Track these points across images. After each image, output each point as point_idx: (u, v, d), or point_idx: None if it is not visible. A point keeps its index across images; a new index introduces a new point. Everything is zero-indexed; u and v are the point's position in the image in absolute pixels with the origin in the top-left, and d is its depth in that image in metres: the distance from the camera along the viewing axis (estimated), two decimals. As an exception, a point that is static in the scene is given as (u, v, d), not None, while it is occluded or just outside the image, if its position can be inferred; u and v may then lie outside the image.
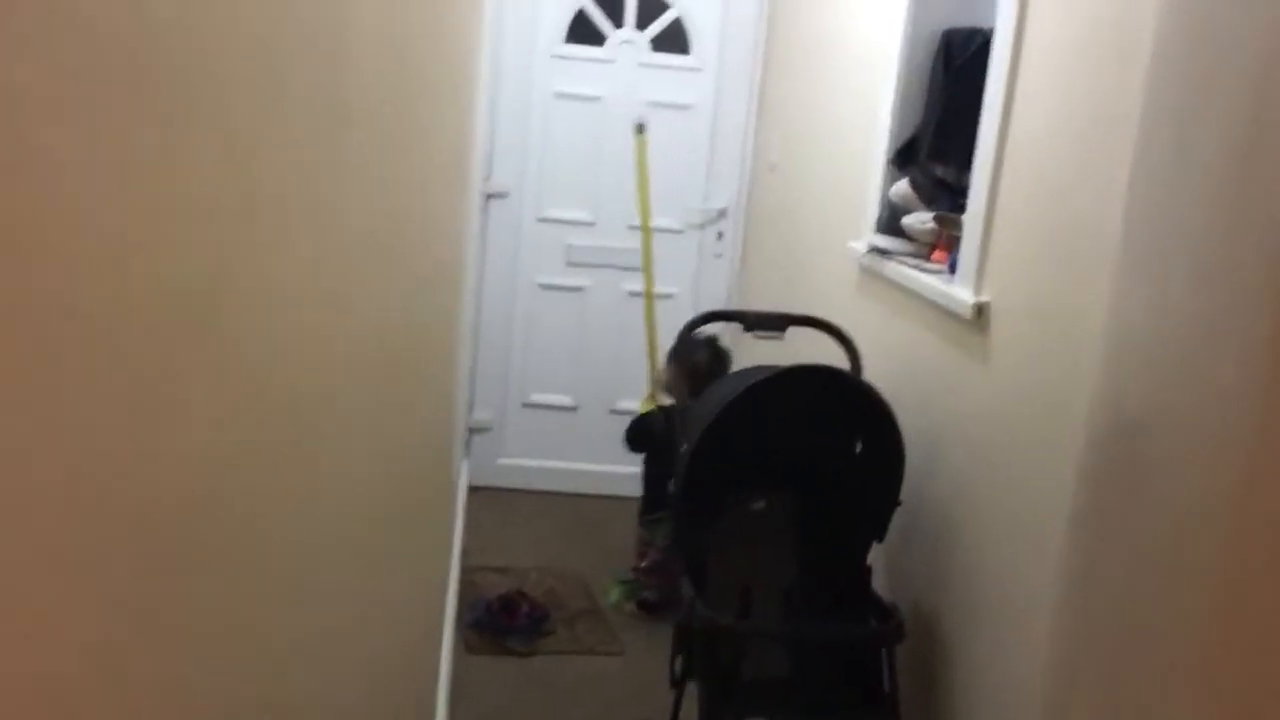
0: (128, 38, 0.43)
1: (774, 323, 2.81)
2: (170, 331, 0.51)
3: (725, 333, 3.72)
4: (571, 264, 4.42)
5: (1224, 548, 1.04)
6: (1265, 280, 0.97)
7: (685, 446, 2.50)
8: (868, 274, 2.99)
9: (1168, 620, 1.15)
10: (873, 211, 2.97)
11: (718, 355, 3.67)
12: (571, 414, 4.52)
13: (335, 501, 0.99)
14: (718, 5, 4.29)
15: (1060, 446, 1.90)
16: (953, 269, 2.47)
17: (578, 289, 4.43)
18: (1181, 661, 1.12)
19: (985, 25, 2.59)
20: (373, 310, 1.13)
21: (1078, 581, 1.41)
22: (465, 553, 3.75)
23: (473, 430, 4.45)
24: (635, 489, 3.71)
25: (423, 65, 1.46)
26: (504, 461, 4.50)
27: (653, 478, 3.61)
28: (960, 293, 2.35)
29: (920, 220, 2.70)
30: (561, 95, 4.29)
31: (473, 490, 4.30)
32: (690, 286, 4.46)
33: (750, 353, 3.29)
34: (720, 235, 4.46)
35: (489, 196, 4.30)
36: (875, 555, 2.54)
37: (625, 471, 3.85)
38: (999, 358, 2.21)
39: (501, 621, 3.37)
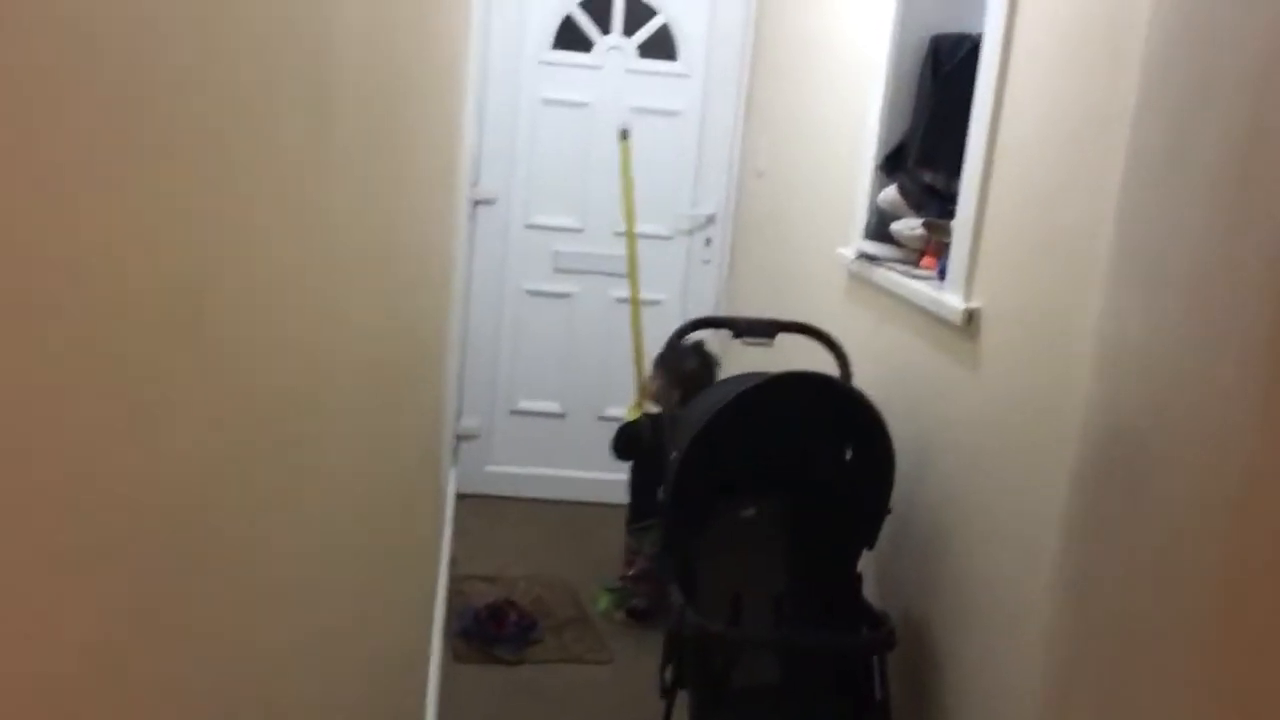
0: (113, 41, 0.43)
1: (764, 329, 2.80)
2: (156, 335, 0.50)
3: (714, 339, 3.72)
4: (559, 270, 4.41)
5: (1224, 552, 1.03)
6: (1266, 283, 0.96)
7: (675, 454, 2.48)
8: (856, 280, 2.99)
9: (1167, 624, 1.14)
10: (861, 217, 2.97)
11: (706, 362, 3.66)
12: (559, 421, 4.51)
13: (322, 508, 0.98)
14: (705, 11, 4.29)
15: (1052, 452, 1.90)
16: (942, 275, 2.47)
17: (565, 295, 4.42)
18: (1181, 665, 1.11)
19: (973, 31, 2.59)
20: (360, 316, 1.12)
21: (1074, 587, 1.40)
22: (453, 561, 3.73)
23: (461, 437, 4.43)
24: (624, 496, 3.69)
25: (410, 71, 1.45)
26: (492, 469, 4.48)
27: (640, 485, 3.59)
28: (950, 299, 2.34)
29: (909, 226, 2.70)
30: (549, 101, 4.28)
31: (460, 498, 4.28)
32: (678, 292, 4.45)
33: (739, 359, 3.28)
34: (708, 241, 4.45)
35: (476, 203, 4.29)
36: (866, 563, 2.54)
37: (613, 478, 3.84)
38: (989, 364, 2.21)
39: (490, 630, 3.35)
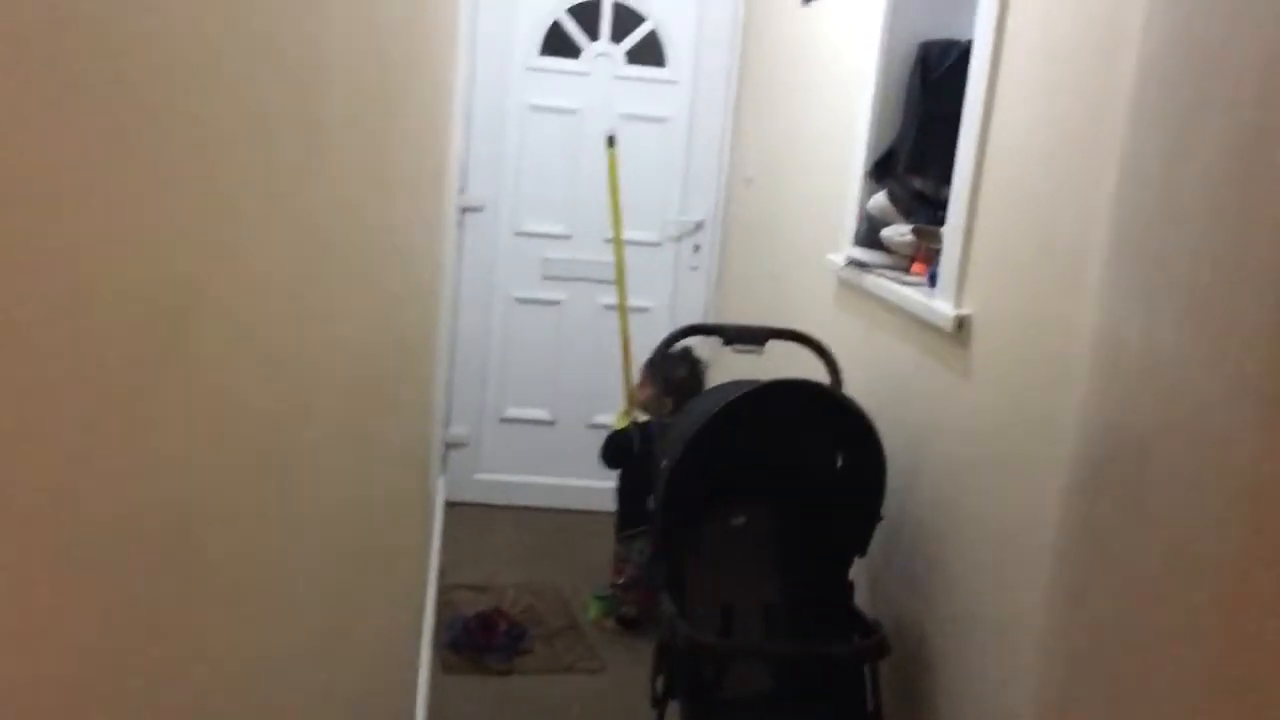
0: (97, 52, 0.42)
1: (754, 336, 2.79)
2: (144, 345, 0.50)
3: (702, 346, 3.71)
4: (548, 278, 4.40)
5: (1230, 566, 1.02)
6: (1267, 290, 0.95)
7: (665, 462, 2.47)
8: (846, 287, 2.98)
9: (1170, 631, 1.13)
10: (851, 224, 2.96)
11: (695, 369, 3.66)
12: (549, 428, 4.49)
13: (309, 518, 0.98)
14: (693, 18, 4.29)
15: (1044, 460, 1.89)
16: (932, 281, 2.46)
17: (554, 302, 4.41)
18: (1185, 672, 1.10)
19: (962, 37, 2.59)
20: (348, 325, 1.12)
21: (1071, 594, 1.39)
22: (442, 570, 3.71)
23: (449, 445, 4.41)
24: (613, 504, 3.68)
25: (398, 78, 1.44)
26: (481, 477, 4.47)
27: (628, 493, 3.58)
28: (941, 306, 2.33)
29: (899, 233, 2.69)
30: (537, 108, 4.27)
31: (450, 506, 4.26)
32: (667, 299, 4.45)
33: (729, 367, 3.27)
34: (697, 248, 4.45)
35: (465, 210, 4.28)
36: (857, 570, 2.53)
37: (603, 486, 3.82)
38: (980, 371, 2.20)
39: (479, 640, 3.33)
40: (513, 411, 4.46)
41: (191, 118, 0.54)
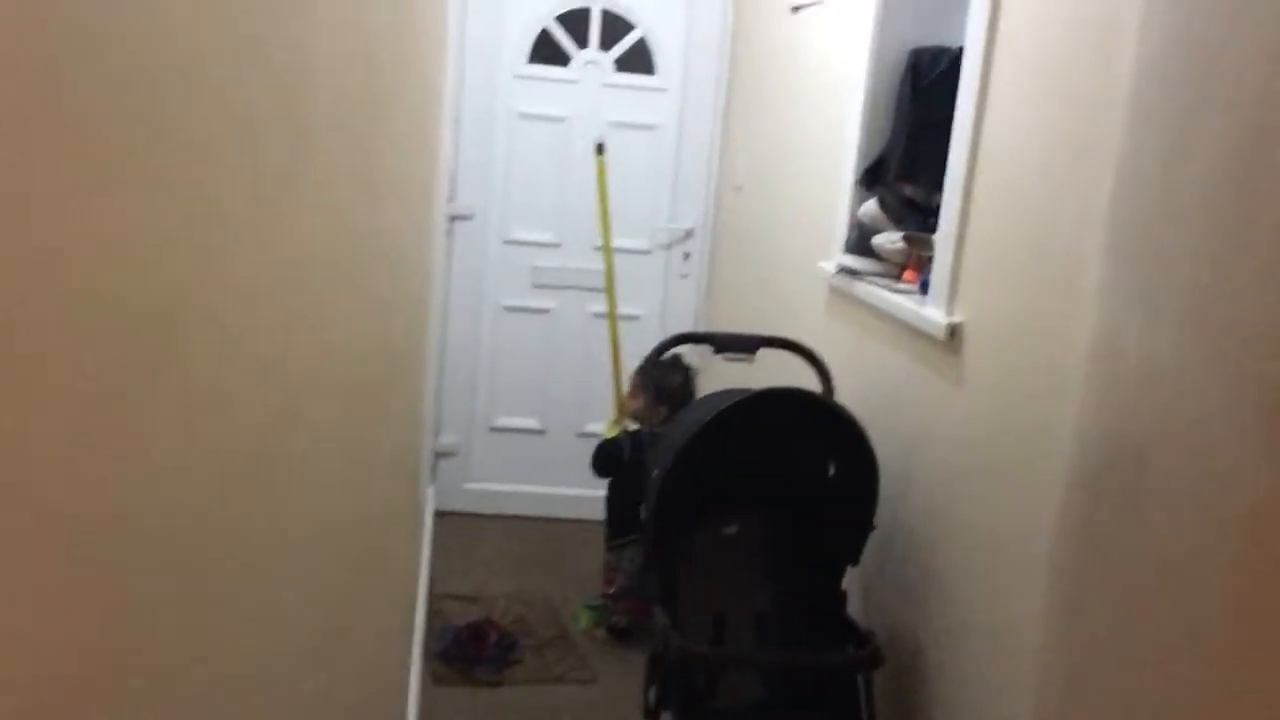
0: (84, 64, 0.42)
1: (745, 345, 2.78)
2: (134, 355, 0.50)
3: (692, 354, 3.69)
4: (537, 286, 4.38)
5: (1237, 580, 1.01)
6: (1272, 295, 0.94)
7: (657, 472, 2.46)
8: (837, 294, 2.97)
9: (1173, 640, 1.12)
10: (841, 231, 2.95)
11: (688, 376, 3.65)
12: (538, 437, 4.47)
13: (298, 528, 0.97)
14: (682, 25, 4.28)
15: (1039, 468, 1.88)
16: (924, 289, 2.45)
17: (544, 311, 4.40)
18: (1189, 681, 1.09)
19: (953, 45, 2.59)
20: (337, 335, 1.11)
21: (1069, 603, 1.38)
22: (432, 580, 3.69)
23: (439, 455, 4.39)
24: (603, 513, 3.66)
25: (386, 86, 1.43)
26: (471, 486, 4.44)
27: (617, 502, 3.57)
28: (933, 313, 2.32)
29: (890, 240, 2.68)
30: (526, 116, 4.26)
31: (439, 516, 4.24)
32: (657, 307, 4.43)
33: (719, 375, 3.26)
34: (687, 256, 4.44)
35: (454, 218, 4.26)
36: (850, 579, 2.51)
37: (593, 495, 3.80)
38: (973, 378, 2.19)
39: (470, 651, 3.30)
40: (502, 420, 4.44)
41: (176, 123, 0.54)
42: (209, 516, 0.64)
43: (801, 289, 3.27)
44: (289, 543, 0.91)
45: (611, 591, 3.58)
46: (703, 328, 4.30)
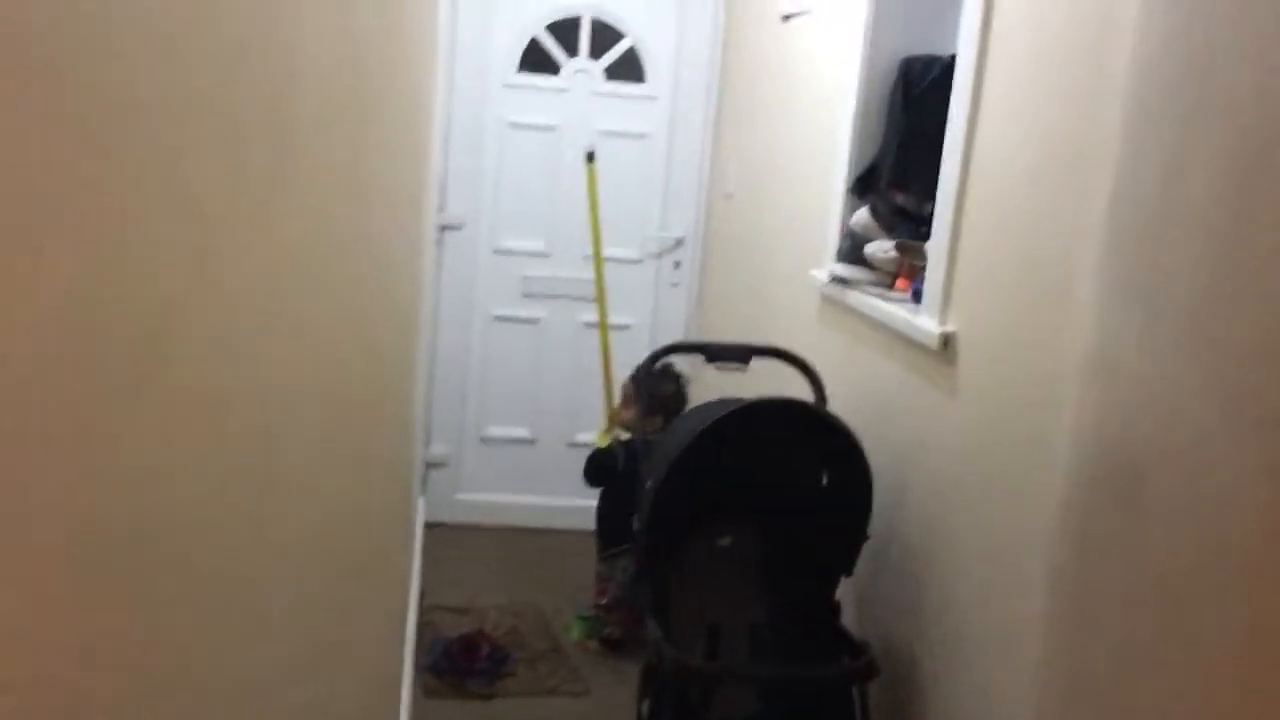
0: (69, 68, 0.42)
1: (737, 354, 2.77)
2: (118, 366, 0.50)
3: (682, 363, 3.68)
4: (528, 295, 4.36)
5: (1237, 594, 0.99)
6: (1266, 306, 0.92)
7: (650, 482, 2.44)
8: (829, 303, 2.96)
9: (1175, 652, 1.10)
10: (833, 240, 2.94)
11: (680, 384, 3.64)
12: (529, 447, 4.45)
13: (289, 537, 0.96)
14: (672, 34, 4.28)
15: (1034, 478, 1.87)
16: (916, 298, 2.44)
17: (534, 320, 4.38)
18: (1192, 692, 1.08)
19: (944, 53, 2.58)
20: (326, 345, 1.09)
21: (1070, 624, 1.36)
22: (422, 592, 3.66)
23: (429, 465, 4.37)
24: (594, 523, 3.64)
25: (375, 96, 1.41)
26: (461, 497, 4.42)
27: (609, 512, 3.55)
28: (926, 323, 2.31)
29: (882, 249, 2.67)
30: (516, 125, 4.25)
31: (429, 527, 4.21)
32: (647, 316, 4.42)
33: (711, 384, 3.24)
34: (677, 264, 4.43)
35: (444, 228, 4.24)
36: (844, 590, 2.50)
37: (584, 505, 3.78)
38: (967, 388, 2.18)
39: (461, 663, 3.27)
40: (493, 430, 4.42)
41: (159, 125, 0.53)
42: (192, 531, 0.64)
43: (793, 298, 3.26)
44: (279, 552, 0.91)
45: (604, 602, 3.56)
46: (694, 337, 4.29)
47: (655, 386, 3.37)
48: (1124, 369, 1.25)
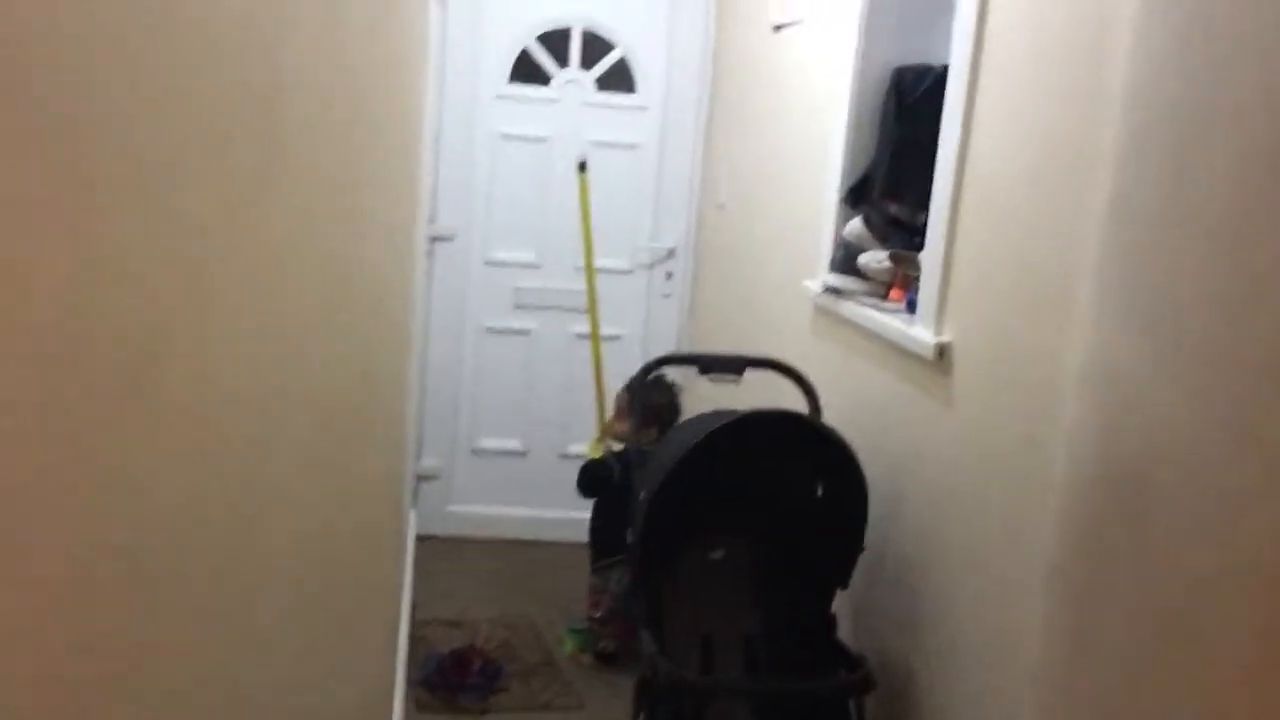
0: (54, 85, 0.41)
1: (731, 365, 2.75)
2: (107, 383, 0.49)
3: (674, 374, 3.66)
4: (519, 307, 4.35)
5: (1242, 603, 0.98)
6: (1264, 314, 0.91)
7: (644, 494, 2.42)
8: (823, 314, 2.95)
9: (1177, 663, 1.09)
10: (826, 250, 2.93)
11: (673, 394, 3.63)
12: (521, 459, 4.43)
13: (280, 549, 0.96)
14: (663, 44, 4.27)
15: (1031, 489, 1.86)
16: (910, 308, 2.43)
17: (525, 332, 4.36)
18: (1194, 701, 1.06)
19: (937, 63, 2.58)
20: (316, 358, 1.08)
21: (1071, 631, 1.35)
22: (414, 605, 3.63)
23: (421, 478, 4.34)
24: (586, 535, 3.62)
25: (365, 108, 1.40)
26: (453, 509, 4.39)
27: (602, 523, 3.53)
28: (920, 333, 2.30)
29: (876, 259, 2.67)
30: (507, 136, 4.24)
31: (421, 539, 4.19)
32: (639, 327, 4.40)
33: (704, 396, 3.23)
34: (669, 275, 4.41)
35: (434, 239, 4.23)
36: (840, 603, 2.48)
37: (577, 517, 3.76)
38: (963, 399, 2.17)
39: (453, 678, 3.25)
40: (484, 442, 4.40)
41: (147, 136, 0.52)
42: (184, 549, 0.63)
43: (786, 308, 3.25)
44: (270, 564, 0.90)
45: (598, 615, 3.54)
46: (685, 348, 4.28)
47: (649, 397, 3.36)
48: (1122, 378, 1.23)
